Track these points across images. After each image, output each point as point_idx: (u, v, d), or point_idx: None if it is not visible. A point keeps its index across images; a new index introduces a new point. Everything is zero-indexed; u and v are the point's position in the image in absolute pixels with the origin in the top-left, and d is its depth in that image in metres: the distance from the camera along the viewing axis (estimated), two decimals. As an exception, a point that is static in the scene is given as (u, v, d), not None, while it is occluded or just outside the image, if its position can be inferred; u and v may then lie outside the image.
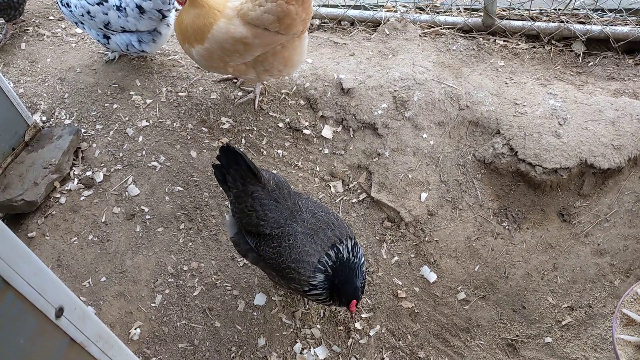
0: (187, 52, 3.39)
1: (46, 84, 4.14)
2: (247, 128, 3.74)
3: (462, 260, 3.18)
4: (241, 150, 2.50)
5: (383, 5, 4.32)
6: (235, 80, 3.95)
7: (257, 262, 2.75)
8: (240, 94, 3.88)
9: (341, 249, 2.52)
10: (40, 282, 1.33)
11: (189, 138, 3.71)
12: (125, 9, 3.58)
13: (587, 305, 2.93)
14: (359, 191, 3.47)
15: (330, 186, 3.50)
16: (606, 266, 3.02)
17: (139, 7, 3.56)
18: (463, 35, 4.02)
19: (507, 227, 3.25)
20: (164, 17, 3.68)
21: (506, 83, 3.63)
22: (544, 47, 3.87)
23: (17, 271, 1.27)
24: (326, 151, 3.61)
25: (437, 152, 3.44)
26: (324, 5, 4.44)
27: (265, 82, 3.79)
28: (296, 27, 3.14)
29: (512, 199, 3.31)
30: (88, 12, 3.64)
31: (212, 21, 3.14)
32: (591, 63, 3.78)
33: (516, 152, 3.25)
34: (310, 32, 4.39)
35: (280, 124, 3.74)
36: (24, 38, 4.62)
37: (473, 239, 3.23)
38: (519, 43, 3.91)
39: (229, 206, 2.78)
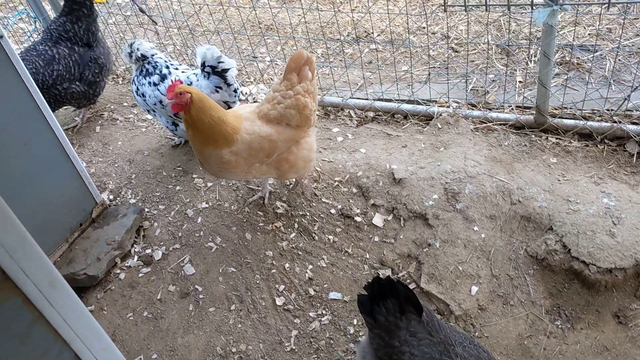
0: (207, 156, 3.32)
1: (116, 165, 4.43)
2: (301, 213, 3.86)
3: (513, 359, 3.10)
4: (401, 280, 2.42)
5: (436, 101, 4.48)
6: None
7: None
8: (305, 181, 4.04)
9: None
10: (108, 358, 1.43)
11: (244, 221, 3.86)
12: (194, 99, 3.87)
13: (648, 415, 2.79)
14: (408, 281, 3.48)
15: (379, 274, 3.53)
16: (667, 374, 2.89)
17: (207, 98, 3.84)
18: (515, 131, 4.10)
19: (560, 327, 3.17)
20: (229, 107, 3.94)
21: (559, 180, 3.65)
22: (596, 146, 3.91)
23: (89, 347, 1.37)
24: (376, 239, 3.67)
25: (489, 246, 3.44)
26: (378, 99, 4.65)
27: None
28: (312, 118, 3.42)
29: (565, 297, 3.24)
30: (160, 102, 3.95)
31: (239, 124, 3.29)
32: (645, 163, 3.78)
33: (569, 249, 3.23)
34: (365, 124, 4.58)
35: (333, 210, 3.84)
36: (99, 122, 5.00)
37: (525, 337, 3.16)
38: (572, 141, 3.96)
39: (368, 336, 2.61)
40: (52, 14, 5.40)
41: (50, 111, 3.47)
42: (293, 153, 3.48)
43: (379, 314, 2.41)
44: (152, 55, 4.04)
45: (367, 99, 4.69)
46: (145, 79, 4.02)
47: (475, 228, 3.51)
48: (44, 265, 1.28)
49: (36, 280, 1.24)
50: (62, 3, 4.81)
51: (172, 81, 3.22)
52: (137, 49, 4.01)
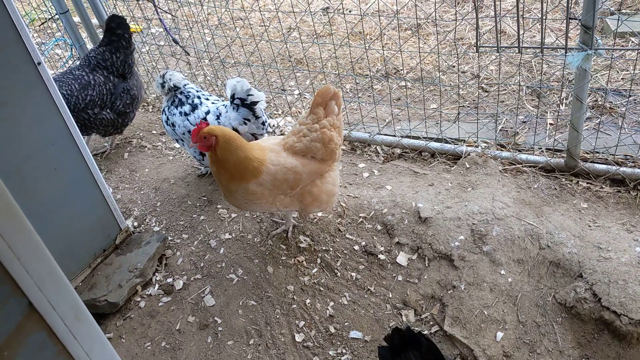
0: (233, 190, 3.32)
1: (142, 192, 4.46)
2: (324, 248, 3.82)
3: (539, 411, 2.99)
4: (423, 332, 2.42)
5: (464, 140, 4.44)
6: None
7: None
8: (320, 214, 4.01)
9: None
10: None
11: (267, 253, 3.83)
12: (222, 130, 3.90)
13: None
14: (431, 323, 3.40)
15: (402, 314, 3.46)
16: None
17: (235, 130, 3.86)
18: (545, 174, 4.04)
19: (589, 379, 3.05)
20: (256, 139, 3.96)
21: (589, 226, 3.56)
22: (629, 192, 3.82)
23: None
24: (400, 278, 3.61)
25: (515, 291, 3.36)
26: (406, 137, 4.63)
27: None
28: (337, 152, 3.44)
29: (595, 349, 3.13)
30: (189, 131, 3.99)
31: (265, 156, 3.30)
32: (680, 211, 3.67)
33: (600, 298, 3.12)
34: (391, 161, 4.55)
35: (356, 247, 3.80)
36: (127, 148, 5.06)
37: (552, 388, 3.05)
38: (603, 186, 3.88)
39: None
40: (88, 41, 5.53)
41: (81, 136, 3.52)
42: (317, 186, 3.48)
43: None
44: (184, 85, 4.11)
45: (394, 136, 4.68)
46: (176, 108, 4.07)
47: (502, 272, 3.43)
48: (70, 297, 1.26)
49: (62, 312, 1.22)
50: (99, 32, 4.94)
51: (196, 124, 3.22)
52: (170, 80, 4.07)
